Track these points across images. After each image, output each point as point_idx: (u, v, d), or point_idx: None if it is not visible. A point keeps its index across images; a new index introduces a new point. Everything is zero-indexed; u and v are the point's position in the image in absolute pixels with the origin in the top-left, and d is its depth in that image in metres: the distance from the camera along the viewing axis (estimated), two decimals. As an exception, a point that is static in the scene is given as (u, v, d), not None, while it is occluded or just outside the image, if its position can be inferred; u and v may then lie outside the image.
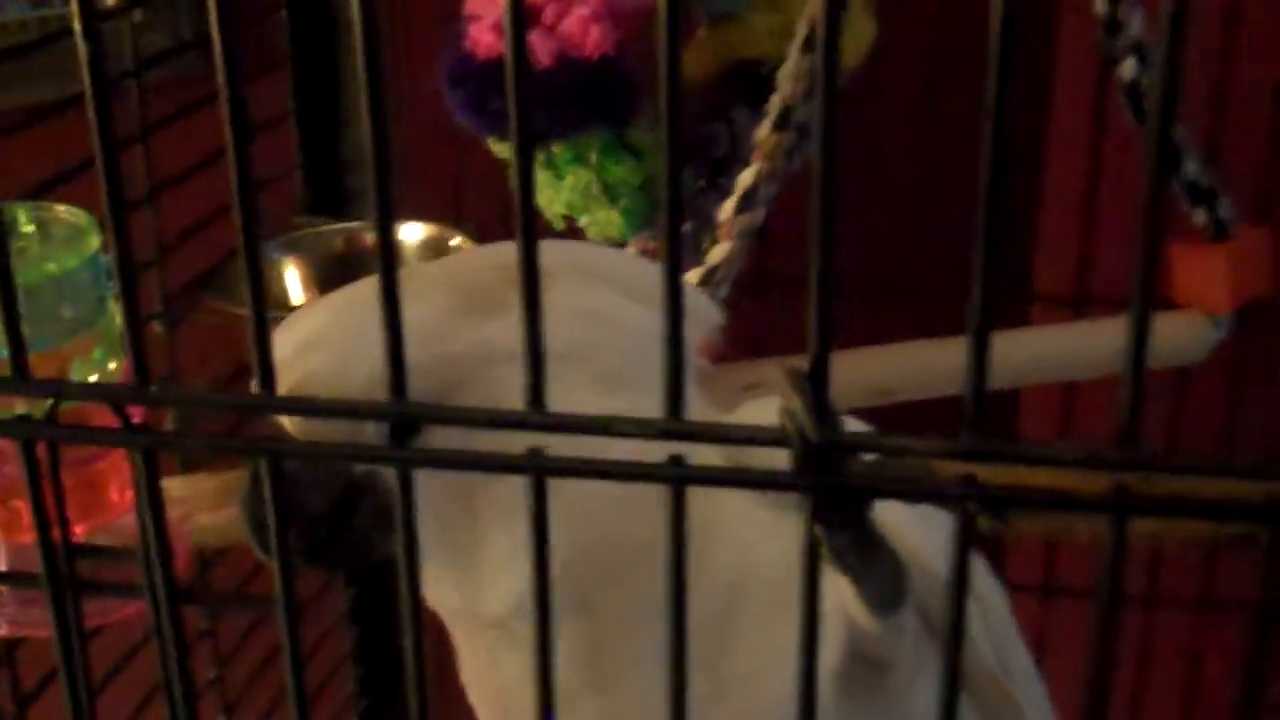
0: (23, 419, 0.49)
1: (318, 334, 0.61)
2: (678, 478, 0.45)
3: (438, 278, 0.65)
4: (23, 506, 0.82)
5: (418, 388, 0.44)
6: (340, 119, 1.29)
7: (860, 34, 1.04)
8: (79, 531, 0.85)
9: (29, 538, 0.83)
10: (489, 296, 0.61)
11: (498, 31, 0.97)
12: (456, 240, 1.21)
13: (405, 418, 0.45)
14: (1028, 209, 1.52)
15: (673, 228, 0.43)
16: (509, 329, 0.49)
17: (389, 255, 0.44)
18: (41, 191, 0.89)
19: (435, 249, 1.21)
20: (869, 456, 0.44)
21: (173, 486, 1.01)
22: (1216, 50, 1.24)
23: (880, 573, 0.50)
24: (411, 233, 1.24)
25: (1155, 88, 0.39)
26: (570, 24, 0.97)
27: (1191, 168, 1.10)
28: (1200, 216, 1.12)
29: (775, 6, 1.05)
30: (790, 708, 0.45)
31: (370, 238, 1.25)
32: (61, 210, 0.81)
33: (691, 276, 1.01)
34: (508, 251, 0.43)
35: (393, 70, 1.35)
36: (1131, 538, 0.43)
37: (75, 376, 0.77)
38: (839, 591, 0.51)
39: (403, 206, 1.25)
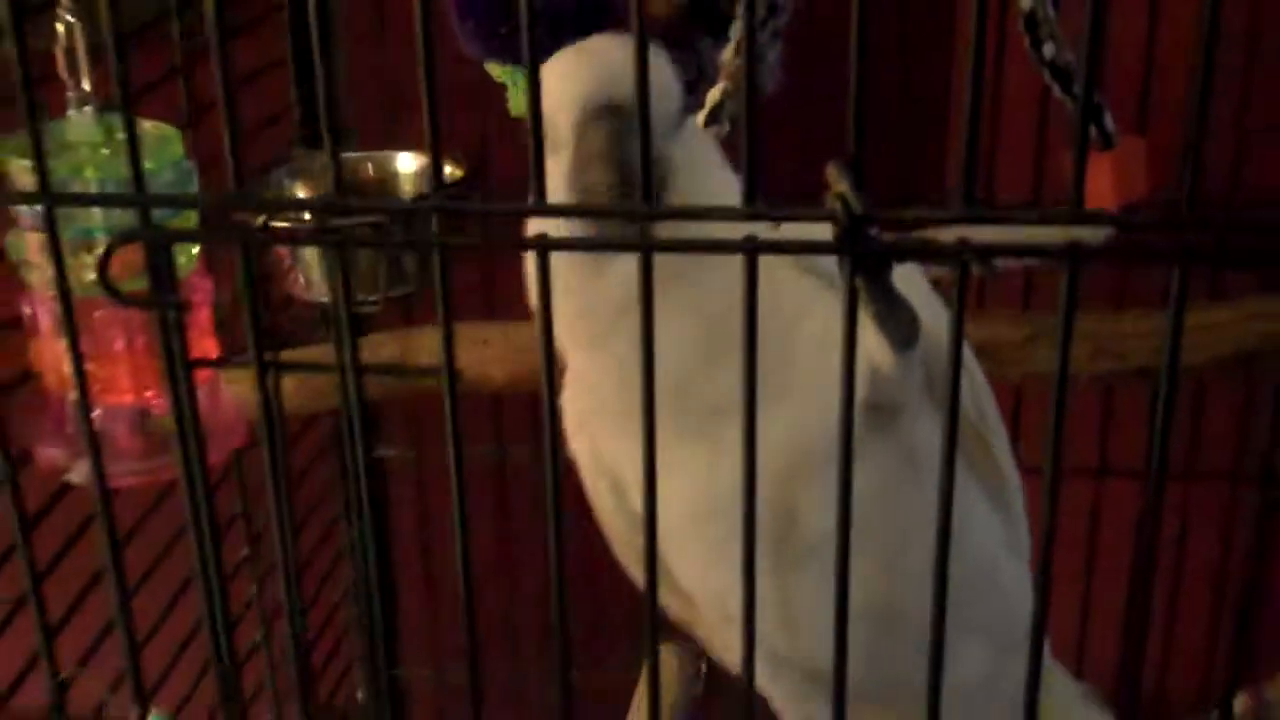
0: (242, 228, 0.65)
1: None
2: (751, 248, 0.62)
3: None
4: (119, 371, 0.96)
5: None
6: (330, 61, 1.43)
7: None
8: (150, 396, 0.98)
9: (128, 398, 0.97)
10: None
11: (506, -38, 1.13)
12: (449, 169, 1.36)
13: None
14: (938, 120, 1.70)
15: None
16: None
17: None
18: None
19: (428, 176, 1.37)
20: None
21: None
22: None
23: (898, 317, 0.68)
24: (406, 162, 1.40)
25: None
26: (566, -42, 1.13)
27: (1079, 86, 1.30)
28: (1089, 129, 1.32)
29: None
30: (833, 415, 0.63)
31: (367, 166, 1.41)
32: (149, 125, 0.94)
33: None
34: None
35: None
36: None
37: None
38: (866, 345, 0.69)
39: (397, 139, 1.41)
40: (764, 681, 0.87)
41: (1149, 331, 1.20)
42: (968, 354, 0.83)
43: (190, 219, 0.86)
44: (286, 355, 1.22)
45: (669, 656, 1.44)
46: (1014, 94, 1.46)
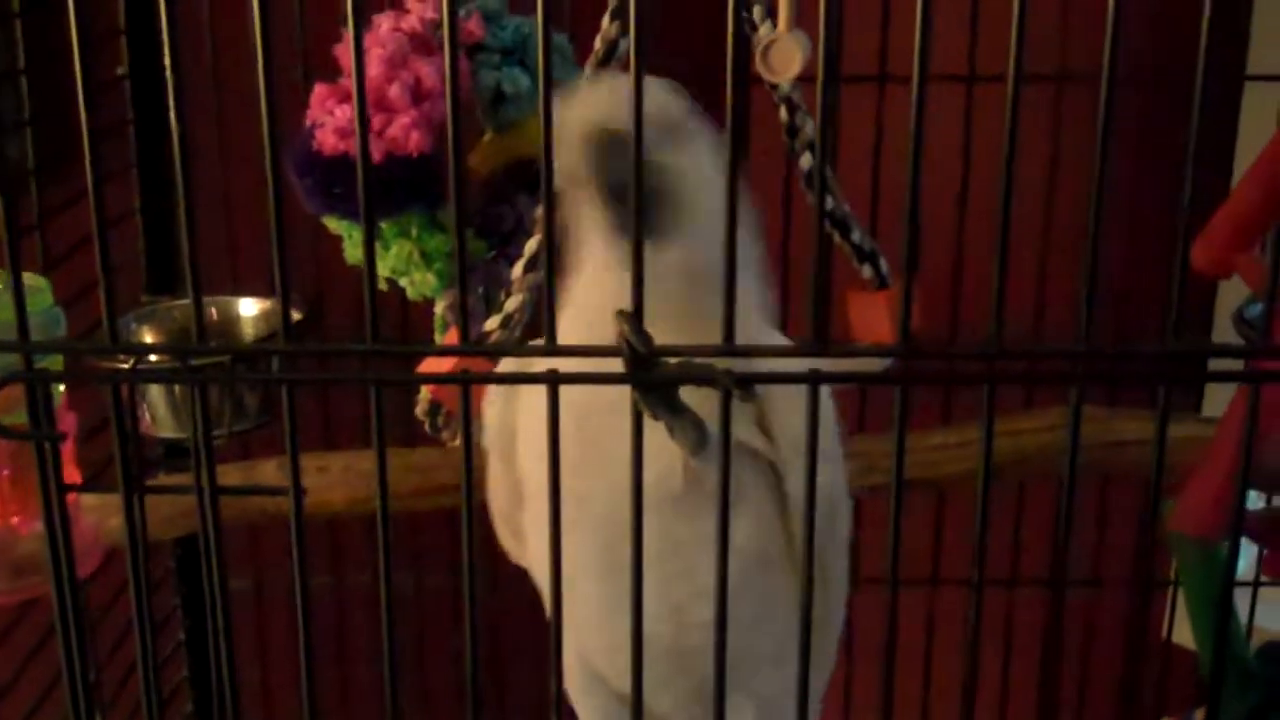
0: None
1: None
2: (553, 380, 0.75)
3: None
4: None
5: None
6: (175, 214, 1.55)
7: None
8: (16, 523, 1.06)
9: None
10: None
11: (338, 134, 1.26)
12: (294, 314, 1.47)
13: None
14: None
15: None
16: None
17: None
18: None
19: (270, 320, 1.49)
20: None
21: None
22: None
23: (685, 426, 0.81)
24: (248, 306, 1.51)
25: (817, 173, 0.72)
26: (395, 130, 1.26)
27: (857, 234, 1.46)
28: (867, 271, 1.49)
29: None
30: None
31: (210, 310, 1.51)
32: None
33: (490, 324, 1.31)
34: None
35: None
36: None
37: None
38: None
39: (241, 285, 1.51)
40: (577, 693, 1.00)
41: (911, 449, 1.36)
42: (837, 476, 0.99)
43: (57, 361, 0.95)
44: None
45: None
46: (800, 239, 1.64)
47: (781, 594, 0.97)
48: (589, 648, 0.99)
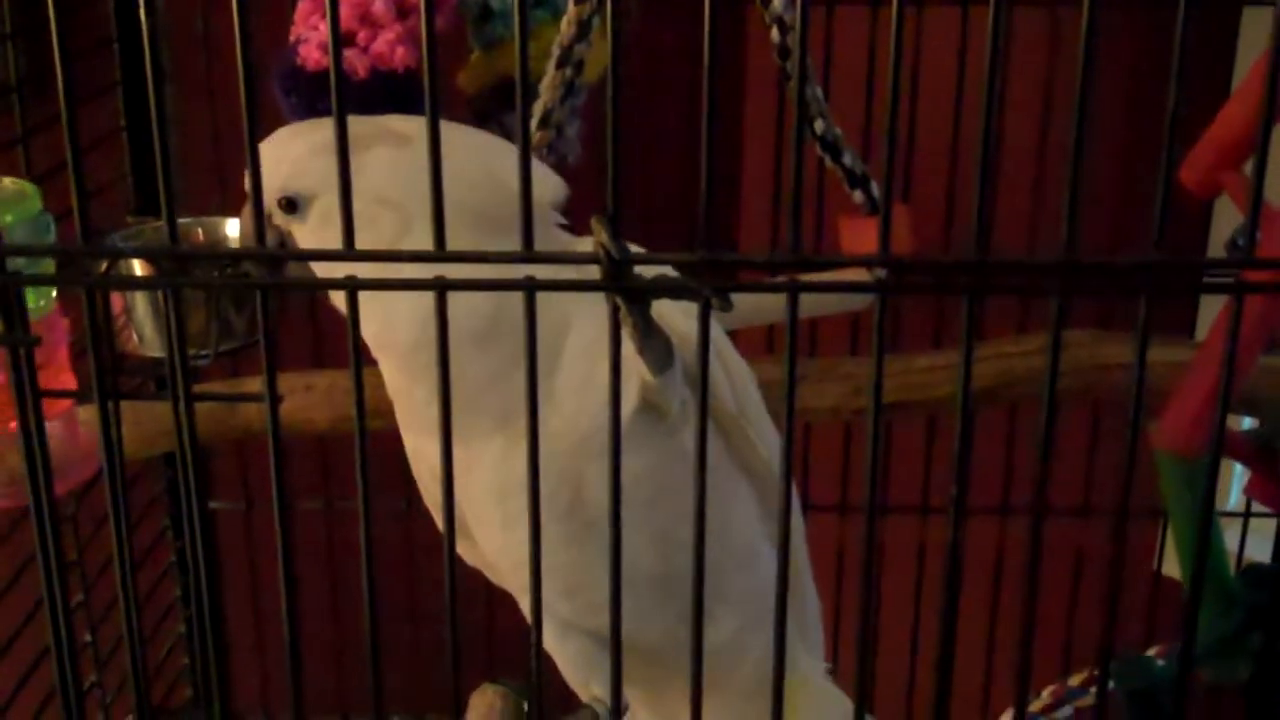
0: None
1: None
2: (529, 286, 0.74)
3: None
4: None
5: None
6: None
7: (599, 55, 1.35)
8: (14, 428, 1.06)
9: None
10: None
11: (323, 50, 1.24)
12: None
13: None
14: (731, 187, 1.86)
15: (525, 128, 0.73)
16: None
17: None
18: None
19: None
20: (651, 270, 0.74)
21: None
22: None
23: (656, 344, 0.81)
24: (234, 228, 1.49)
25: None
26: (379, 45, 1.25)
27: (848, 158, 1.45)
28: (858, 196, 1.47)
29: (534, 35, 1.35)
30: (600, 420, 0.75)
31: (197, 231, 1.50)
32: (8, 181, 1.03)
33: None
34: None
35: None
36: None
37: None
38: (633, 361, 0.82)
39: (229, 207, 1.50)
40: (552, 643, 0.99)
41: (899, 371, 1.36)
42: (731, 358, 0.97)
43: (48, 267, 0.95)
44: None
45: (492, 696, 1.53)
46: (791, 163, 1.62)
47: (730, 496, 0.98)
48: (552, 595, 0.97)
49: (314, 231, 0.92)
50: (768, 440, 0.97)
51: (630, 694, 1.08)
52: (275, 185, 0.91)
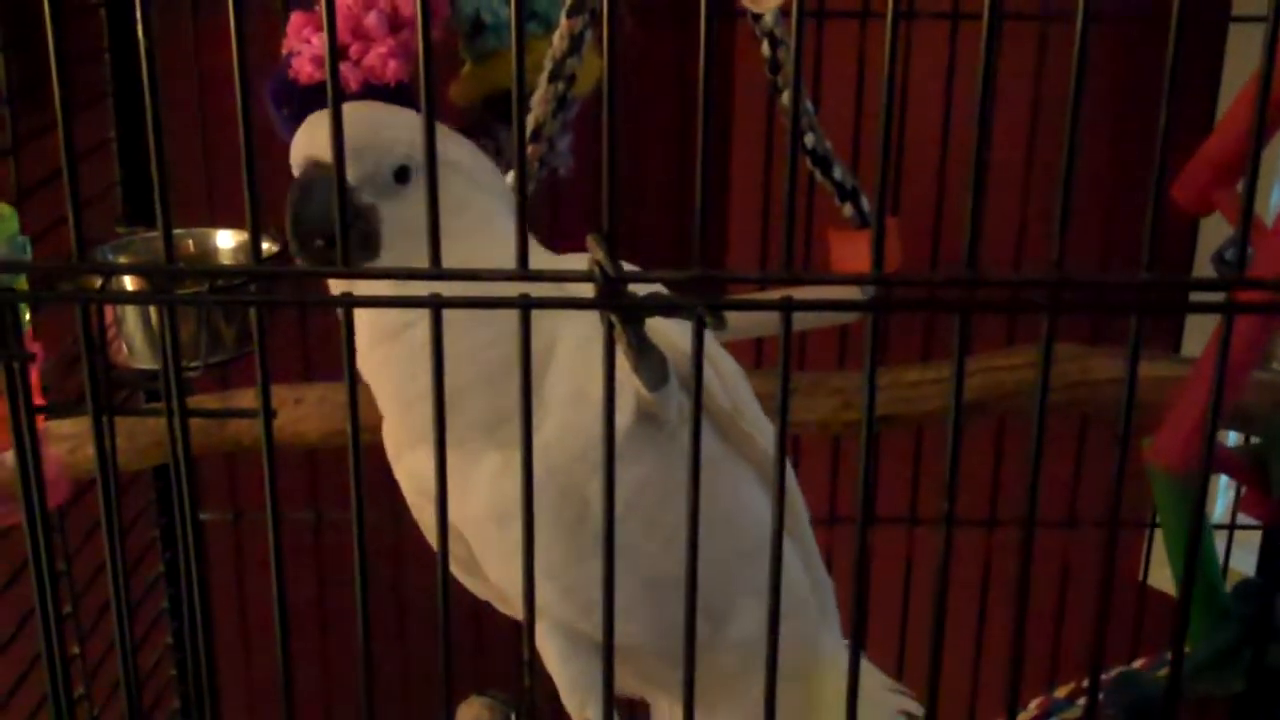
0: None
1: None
2: (525, 304, 0.74)
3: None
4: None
5: None
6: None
7: (591, 69, 1.35)
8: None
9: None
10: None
11: (315, 64, 1.24)
12: (265, 244, 1.46)
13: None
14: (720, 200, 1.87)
15: (521, 151, 0.73)
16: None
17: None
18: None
19: (248, 253, 1.47)
20: (645, 288, 0.75)
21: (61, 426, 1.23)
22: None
23: (651, 362, 0.82)
24: (225, 239, 1.50)
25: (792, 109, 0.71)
26: (372, 59, 1.25)
27: (838, 172, 1.46)
28: (847, 210, 1.48)
29: (526, 49, 1.35)
30: (597, 431, 0.75)
31: (188, 242, 1.50)
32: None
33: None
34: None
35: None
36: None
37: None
38: (628, 375, 0.82)
39: (219, 218, 1.51)
40: (555, 664, 0.99)
41: (888, 385, 1.36)
42: (725, 363, 0.98)
43: (22, 285, 0.95)
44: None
45: (479, 708, 1.53)
46: (781, 176, 1.63)
47: (737, 490, 0.98)
48: (571, 614, 0.98)
49: (415, 204, 0.88)
50: (764, 431, 0.98)
51: (660, 702, 1.10)
52: (399, 152, 0.90)
